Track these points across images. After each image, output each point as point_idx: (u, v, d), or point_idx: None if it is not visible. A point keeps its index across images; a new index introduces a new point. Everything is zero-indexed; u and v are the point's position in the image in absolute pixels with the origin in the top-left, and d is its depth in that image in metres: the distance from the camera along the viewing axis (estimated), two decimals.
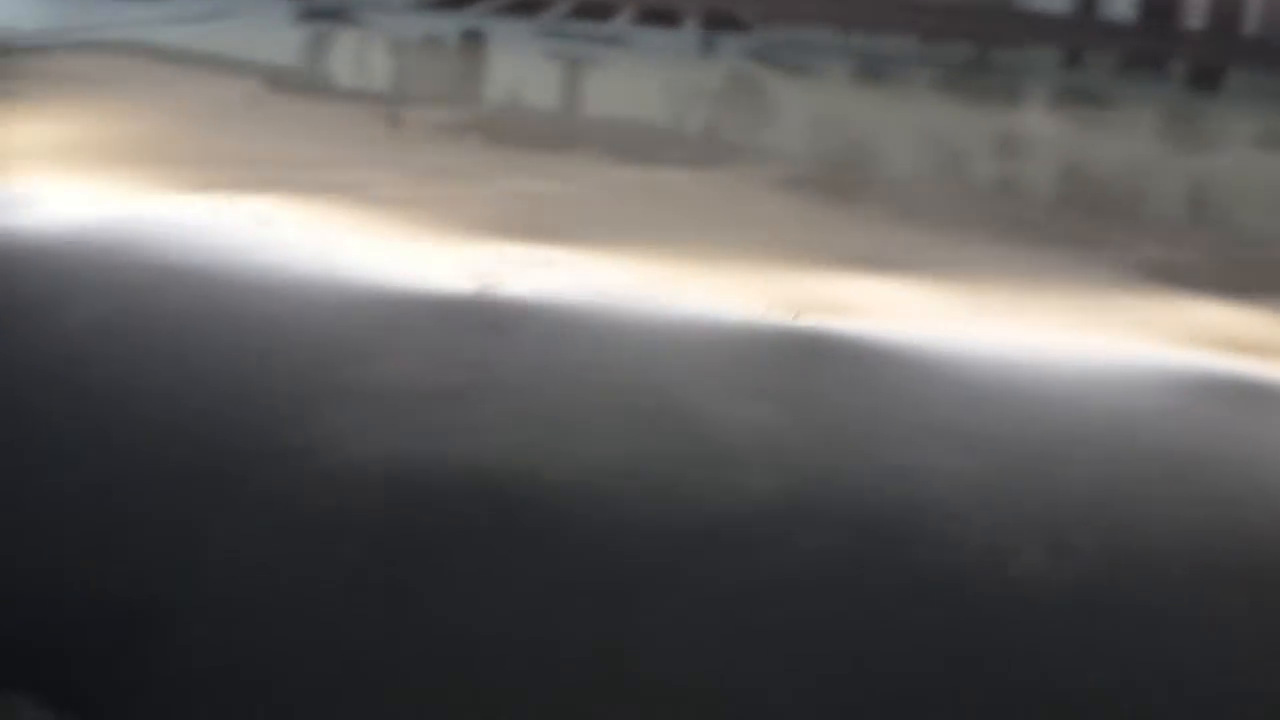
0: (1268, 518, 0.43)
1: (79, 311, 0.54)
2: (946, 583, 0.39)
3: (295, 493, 0.41)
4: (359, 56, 1.25)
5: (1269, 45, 1.54)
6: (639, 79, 1.27)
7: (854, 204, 0.81)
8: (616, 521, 0.41)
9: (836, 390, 0.51)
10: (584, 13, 1.43)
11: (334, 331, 0.52)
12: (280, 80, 1.09)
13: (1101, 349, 0.57)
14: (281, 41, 1.29)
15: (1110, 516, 0.43)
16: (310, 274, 0.58)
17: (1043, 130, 1.07)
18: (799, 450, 0.46)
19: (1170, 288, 0.65)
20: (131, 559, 0.41)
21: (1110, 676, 0.37)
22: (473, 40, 1.35)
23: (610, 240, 0.68)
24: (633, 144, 0.98)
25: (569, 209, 0.74)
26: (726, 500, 0.43)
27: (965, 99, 1.22)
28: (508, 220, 0.70)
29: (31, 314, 0.54)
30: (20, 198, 0.69)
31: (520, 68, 1.28)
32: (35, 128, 0.81)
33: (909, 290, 0.62)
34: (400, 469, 0.42)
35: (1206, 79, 1.54)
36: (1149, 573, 0.40)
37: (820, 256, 0.67)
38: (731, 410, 0.49)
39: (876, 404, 0.50)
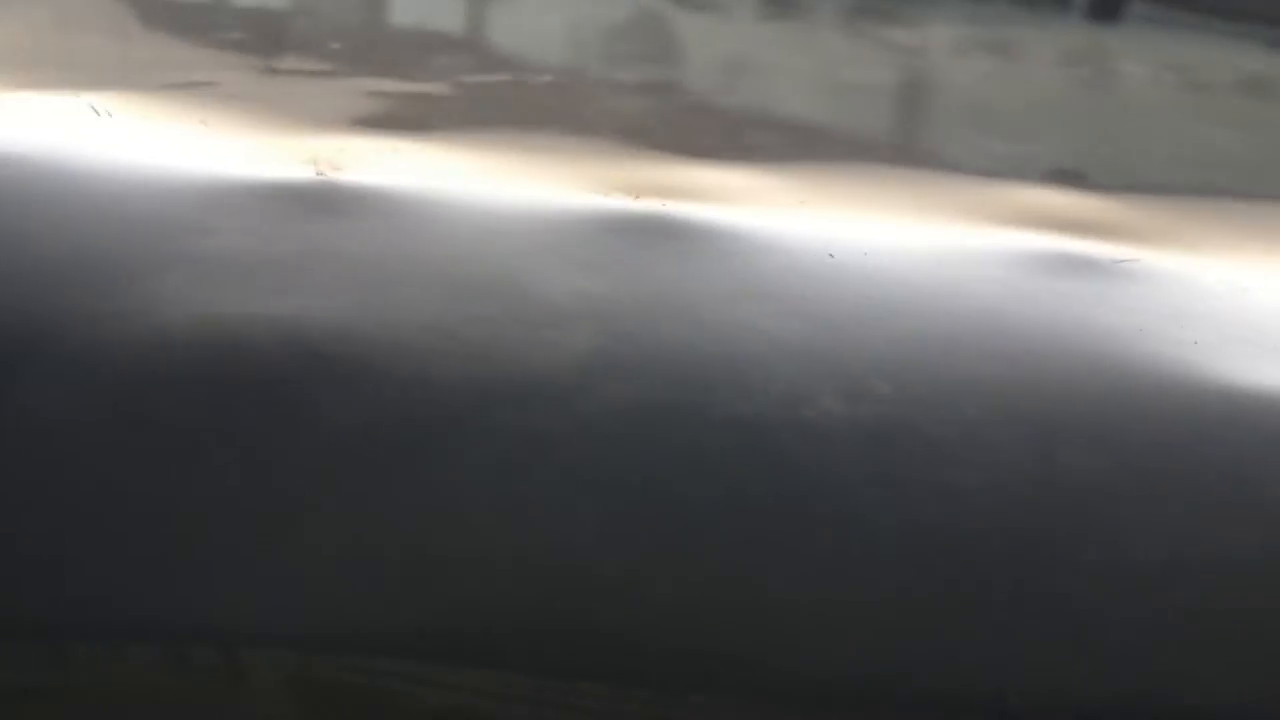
0: (1057, 368, 0.45)
1: None
2: (744, 425, 0.41)
3: (106, 353, 0.42)
4: None
5: None
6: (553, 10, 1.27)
7: (700, 108, 0.82)
8: (428, 374, 0.42)
9: (666, 264, 0.52)
10: None
11: (163, 212, 0.53)
12: None
13: (927, 231, 0.58)
14: None
15: (910, 367, 0.44)
16: (145, 161, 0.58)
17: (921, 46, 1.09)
18: (619, 314, 0.47)
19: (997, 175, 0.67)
20: None
21: (888, 497, 0.39)
22: None
23: (459, 133, 0.69)
24: (503, 56, 0.99)
25: (423, 105, 0.74)
26: (540, 357, 0.44)
27: (854, 27, 1.23)
28: (358, 114, 0.70)
29: None
30: None
31: None
32: None
33: (754, 179, 0.64)
34: (213, 329, 0.43)
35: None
36: (938, 413, 0.42)
37: (667, 149, 0.68)
38: (558, 280, 0.50)
39: (703, 274, 0.51)
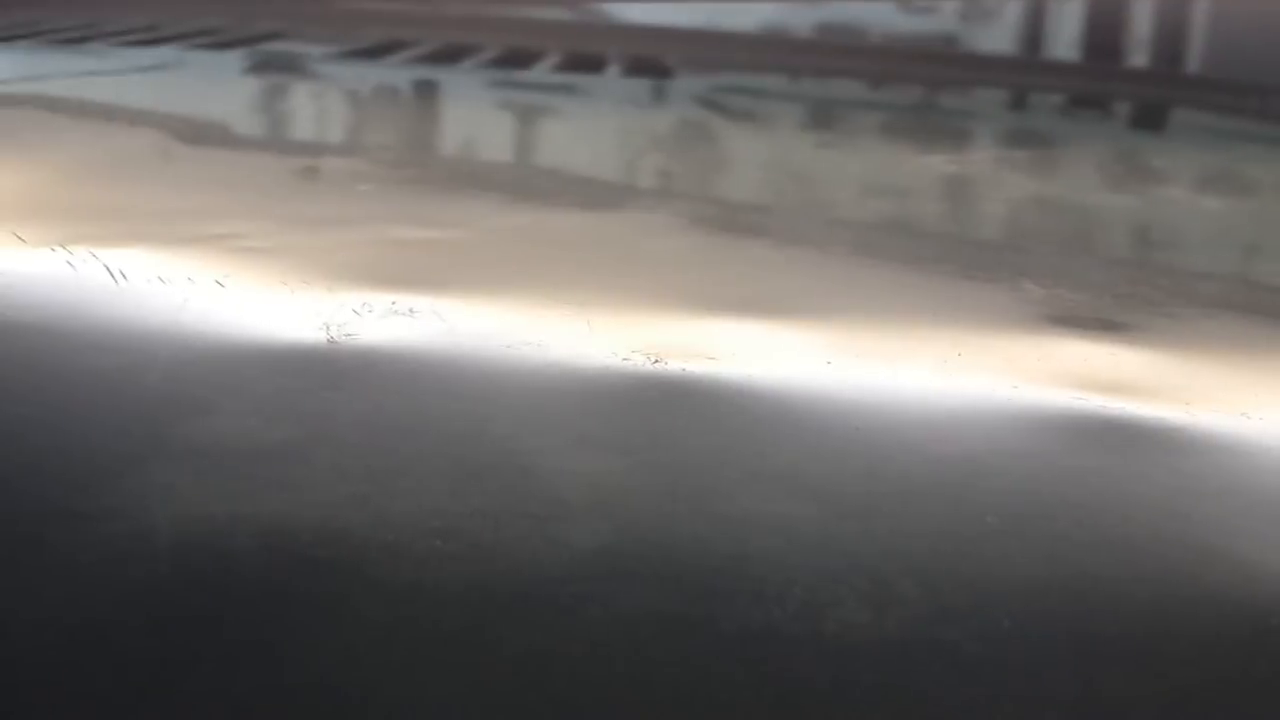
0: (1103, 567, 0.42)
1: None
2: (758, 640, 0.38)
3: (85, 558, 0.40)
4: (286, 107, 1.24)
5: (1212, 83, 1.54)
6: (590, 125, 1.27)
7: (745, 247, 0.80)
8: (422, 583, 0.40)
9: (682, 437, 0.49)
10: (510, 61, 1.42)
11: (162, 390, 0.51)
12: (193, 131, 1.08)
13: (966, 390, 0.55)
14: (216, 92, 1.28)
15: (940, 565, 0.41)
16: (156, 327, 0.57)
17: (960, 170, 1.06)
18: (630, 502, 0.44)
19: (1048, 326, 0.64)
20: None
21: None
22: (421, 90, 1.34)
23: (482, 287, 0.67)
24: (523, 188, 0.97)
25: (448, 256, 0.73)
26: (543, 558, 0.41)
27: (899, 140, 1.21)
28: (380, 269, 0.68)
29: None
30: None
31: (453, 116, 1.27)
32: None
33: (782, 333, 0.61)
34: (201, 532, 0.41)
35: (1150, 118, 1.54)
36: (973, 625, 0.38)
37: (696, 300, 0.65)
38: (567, 461, 0.47)
39: (721, 450, 0.48)
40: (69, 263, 0.64)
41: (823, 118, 1.31)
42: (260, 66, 1.38)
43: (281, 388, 0.52)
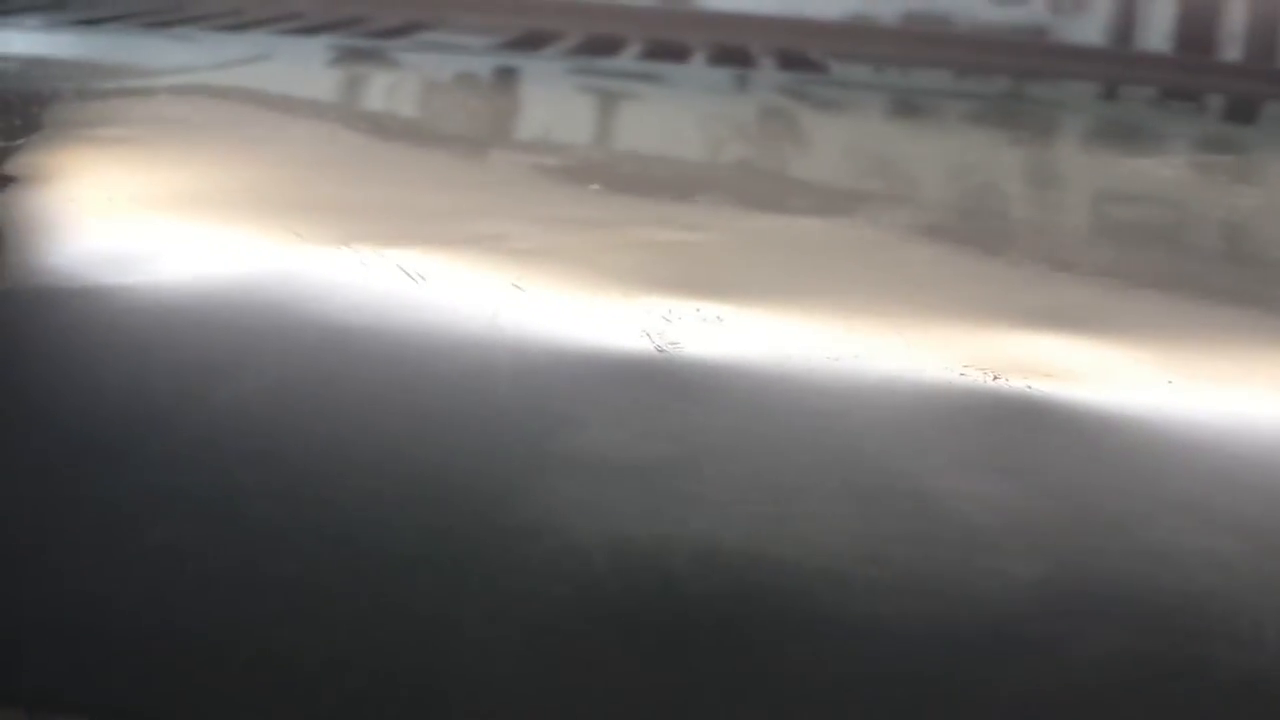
0: None
1: (243, 379, 0.51)
2: (1252, 687, 0.36)
3: (533, 576, 0.38)
4: (425, 98, 1.23)
5: None
6: (677, 115, 1.25)
7: (1000, 254, 0.78)
8: (875, 614, 0.38)
9: (1067, 462, 0.48)
10: (593, 49, 1.41)
11: (524, 397, 0.49)
12: (380, 126, 1.06)
13: None
14: (333, 82, 1.27)
15: None
16: (479, 333, 0.55)
17: (1159, 174, 1.04)
18: (1053, 532, 0.43)
19: None
20: (352, 646, 0.38)
21: None
22: (508, 78, 1.33)
23: (768, 294, 0.65)
24: (746, 190, 0.96)
25: (713, 260, 0.71)
26: (988, 591, 0.39)
27: (1045, 139, 1.19)
28: (658, 272, 0.67)
29: (184, 384, 0.51)
30: (147, 252, 0.66)
31: (573, 106, 1.25)
32: (152, 176, 0.78)
33: (1103, 350, 0.59)
34: (633, 553, 0.39)
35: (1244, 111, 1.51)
36: None
37: (996, 312, 0.63)
38: (963, 485, 0.45)
39: (1115, 478, 0.47)
40: (362, 263, 0.62)
41: (1013, 118, 1.28)
42: (346, 54, 1.36)
43: (635, 400, 0.50)
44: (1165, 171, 1.04)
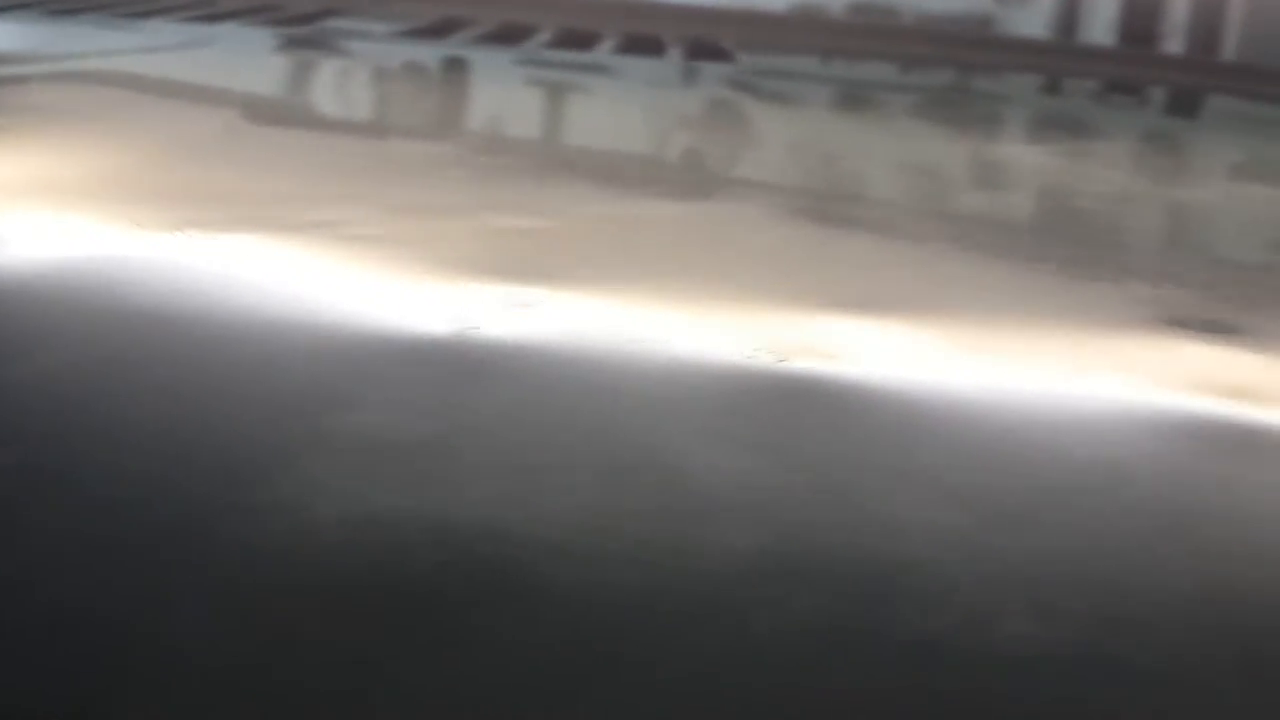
0: (1259, 573, 0.42)
1: (45, 356, 0.53)
2: (928, 648, 0.38)
3: (262, 551, 0.40)
4: (338, 86, 1.24)
5: (1248, 70, 1.54)
6: (621, 108, 1.27)
7: (843, 240, 0.80)
8: (592, 584, 0.40)
9: (821, 439, 0.50)
10: (564, 42, 1.42)
11: (311, 378, 0.51)
12: (259, 111, 1.08)
13: (1092, 392, 0.56)
14: (260, 70, 1.28)
15: (1102, 576, 0.41)
16: (283, 317, 0.57)
17: (1027, 160, 1.06)
18: (781, 504, 0.45)
19: (1161, 326, 0.64)
20: (94, 619, 0.40)
21: None
22: (454, 68, 1.34)
23: (592, 279, 0.67)
24: (615, 175, 0.98)
25: (551, 246, 0.73)
26: (708, 560, 0.41)
27: (947, 127, 1.21)
28: (487, 258, 0.69)
29: None
30: None
31: (501, 97, 1.27)
32: (13, 163, 0.80)
33: (898, 331, 0.61)
34: (368, 527, 0.41)
35: (1185, 105, 1.54)
36: (1137, 637, 0.39)
37: (808, 296, 0.65)
38: (712, 460, 0.47)
39: (861, 453, 0.49)
40: (188, 249, 0.64)
41: (893, 104, 1.31)
42: (292, 42, 1.38)
43: (420, 381, 0.52)
44: (1035, 159, 1.06)
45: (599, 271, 0.70)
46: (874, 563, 0.41)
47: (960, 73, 1.41)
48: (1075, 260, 0.78)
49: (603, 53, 1.41)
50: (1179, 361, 0.59)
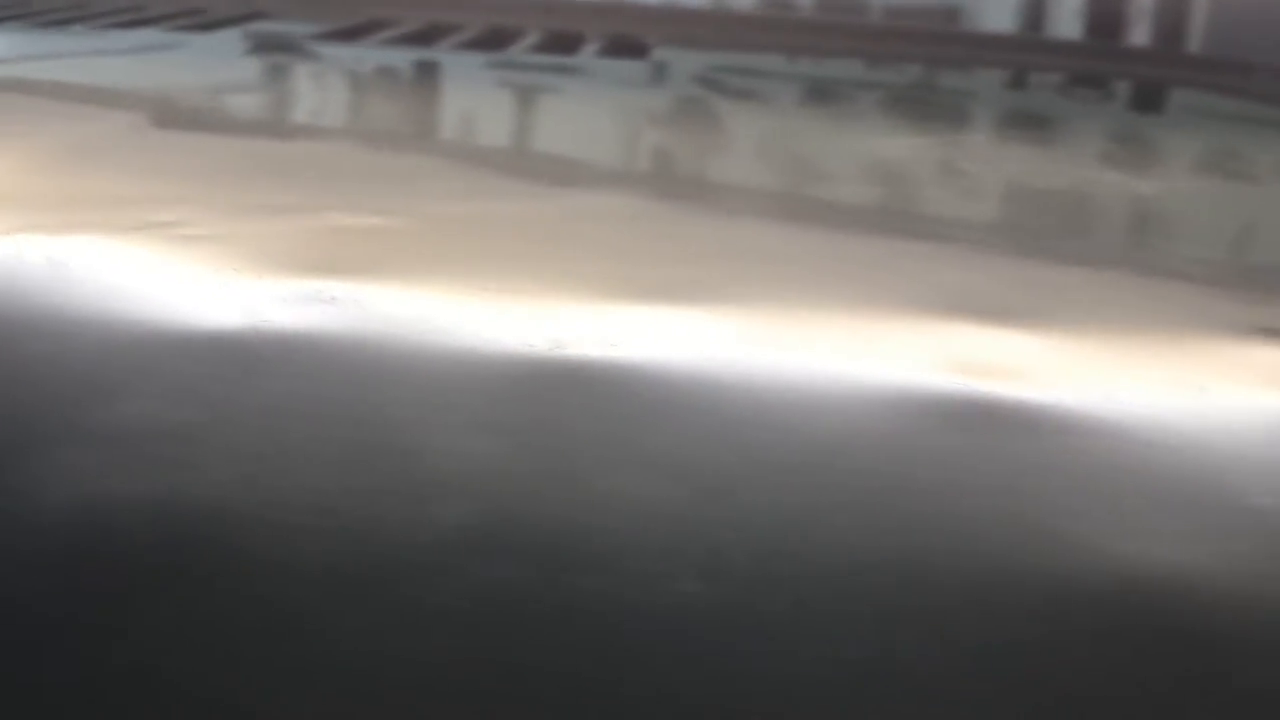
0: (930, 541, 0.45)
1: None
2: (597, 608, 0.41)
3: None
4: (250, 88, 1.27)
5: (1212, 63, 1.56)
6: (583, 106, 1.30)
7: (688, 232, 0.83)
8: (294, 558, 0.43)
9: (566, 421, 0.53)
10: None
11: (87, 371, 0.54)
12: (167, 115, 1.11)
13: (845, 373, 0.58)
14: (205, 73, 1.31)
15: (775, 543, 0.44)
16: (85, 314, 0.60)
17: (902, 149, 1.09)
18: (502, 481, 0.48)
19: (949, 313, 0.67)
20: None
21: (744, 688, 0.39)
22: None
23: (408, 274, 0.70)
24: (493, 173, 1.00)
25: (384, 244, 0.76)
26: (410, 535, 0.44)
27: (834, 119, 1.23)
28: (311, 256, 0.71)
29: None
30: None
31: (410, 97, 1.30)
32: None
33: (690, 319, 0.64)
34: (90, 511, 0.44)
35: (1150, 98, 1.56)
36: (792, 596, 0.42)
37: (620, 286, 0.68)
38: (451, 443, 0.50)
39: (601, 434, 0.51)
40: (15, 253, 0.67)
41: (784, 96, 1.33)
42: (246, 48, 1.41)
43: (194, 373, 0.55)
44: (933, 152, 1.08)
45: (419, 267, 0.72)
46: (568, 533, 0.44)
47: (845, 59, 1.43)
48: (901, 251, 0.80)
49: (517, 51, 1.44)
50: (943, 345, 0.62)
